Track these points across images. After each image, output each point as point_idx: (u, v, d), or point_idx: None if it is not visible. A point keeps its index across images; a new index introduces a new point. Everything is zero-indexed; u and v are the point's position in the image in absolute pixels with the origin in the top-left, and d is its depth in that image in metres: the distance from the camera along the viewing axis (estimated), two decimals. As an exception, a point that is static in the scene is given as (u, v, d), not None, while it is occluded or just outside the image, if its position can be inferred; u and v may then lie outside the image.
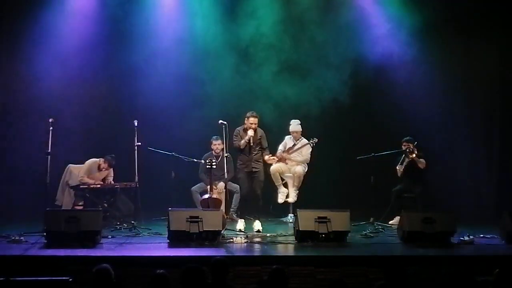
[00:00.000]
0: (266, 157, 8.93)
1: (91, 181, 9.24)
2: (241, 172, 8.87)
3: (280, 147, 9.80)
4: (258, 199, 8.84)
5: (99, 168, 9.43)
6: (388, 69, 10.65)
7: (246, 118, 8.84)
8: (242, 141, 8.77)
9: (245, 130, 8.85)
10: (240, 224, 8.70)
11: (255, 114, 8.84)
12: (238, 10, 10.43)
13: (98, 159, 9.46)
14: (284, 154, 9.73)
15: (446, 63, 10.70)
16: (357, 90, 10.45)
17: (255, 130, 8.80)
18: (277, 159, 9.37)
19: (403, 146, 9.58)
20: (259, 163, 8.89)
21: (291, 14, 10.51)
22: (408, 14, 10.25)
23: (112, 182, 9.38)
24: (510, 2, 10.43)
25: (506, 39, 10.60)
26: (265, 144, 9.00)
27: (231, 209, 9.58)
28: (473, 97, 10.95)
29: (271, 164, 9.39)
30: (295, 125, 9.83)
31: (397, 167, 9.68)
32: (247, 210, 8.95)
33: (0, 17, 10.24)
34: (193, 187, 9.81)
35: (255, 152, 8.84)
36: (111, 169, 9.51)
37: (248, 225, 8.71)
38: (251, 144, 8.75)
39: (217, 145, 9.73)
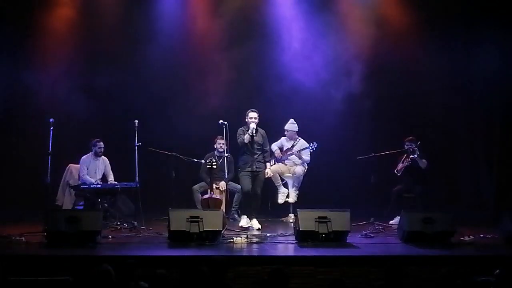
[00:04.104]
0: (267, 171, 9.00)
1: (92, 180, 9.21)
2: (244, 171, 8.89)
3: (274, 147, 9.76)
4: (258, 198, 8.92)
5: (97, 155, 9.30)
6: (387, 69, 10.64)
7: (246, 116, 8.92)
8: (246, 135, 8.78)
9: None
10: (243, 221, 8.77)
11: (254, 110, 8.94)
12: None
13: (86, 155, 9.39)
14: (282, 155, 9.73)
15: (446, 62, 10.69)
16: (356, 90, 10.43)
17: (256, 129, 8.85)
18: (271, 174, 9.26)
19: (405, 146, 9.57)
20: (262, 163, 8.97)
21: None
22: (407, 11, 10.23)
23: (113, 180, 9.37)
24: (510, 1, 10.42)
25: (507, 38, 10.58)
26: (266, 145, 9.06)
27: (232, 209, 9.57)
28: (473, 97, 10.94)
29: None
30: (290, 124, 9.78)
31: (398, 163, 9.67)
32: (249, 208, 8.91)
33: (1, 18, 10.24)
34: (194, 186, 9.81)
35: (258, 153, 8.92)
36: (106, 160, 9.43)
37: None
38: (254, 135, 8.76)
39: (222, 144, 9.45)
